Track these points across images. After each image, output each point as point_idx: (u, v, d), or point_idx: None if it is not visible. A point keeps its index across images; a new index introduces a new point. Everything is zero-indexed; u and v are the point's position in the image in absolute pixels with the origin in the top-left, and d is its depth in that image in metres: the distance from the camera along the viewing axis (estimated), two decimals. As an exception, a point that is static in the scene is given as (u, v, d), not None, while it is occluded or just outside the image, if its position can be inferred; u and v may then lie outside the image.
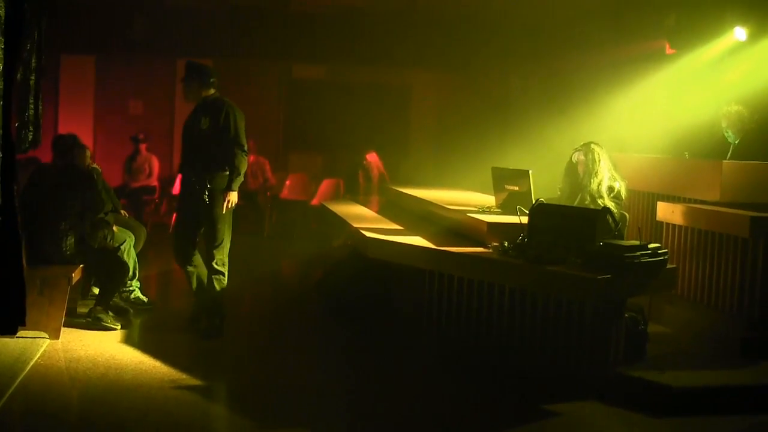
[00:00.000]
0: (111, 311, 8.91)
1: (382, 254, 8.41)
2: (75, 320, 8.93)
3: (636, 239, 7.65)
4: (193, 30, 17.10)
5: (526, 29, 17.15)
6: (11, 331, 6.98)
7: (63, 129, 15.20)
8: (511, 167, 9.01)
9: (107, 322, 8.74)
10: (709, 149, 9.97)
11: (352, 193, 15.38)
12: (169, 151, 16.95)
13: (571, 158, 8.61)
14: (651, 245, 7.21)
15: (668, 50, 12.34)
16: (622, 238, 7.87)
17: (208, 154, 8.49)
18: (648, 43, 13.24)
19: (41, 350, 7.80)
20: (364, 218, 10.13)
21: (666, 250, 7.39)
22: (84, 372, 7.32)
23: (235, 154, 8.45)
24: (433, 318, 8.19)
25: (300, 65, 18.27)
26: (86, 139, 13.44)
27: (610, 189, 8.30)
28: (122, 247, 9.53)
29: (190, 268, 8.72)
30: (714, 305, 8.32)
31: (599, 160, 8.35)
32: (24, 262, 6.86)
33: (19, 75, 8.09)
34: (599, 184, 8.29)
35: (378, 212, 10.87)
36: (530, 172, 8.47)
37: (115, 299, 9.21)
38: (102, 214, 9.28)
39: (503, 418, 6.81)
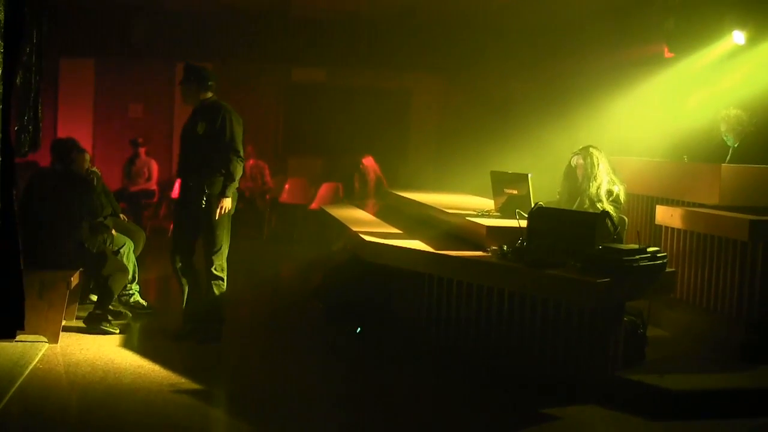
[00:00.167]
0: (110, 315, 8.91)
1: (381, 258, 8.41)
2: (74, 324, 8.93)
3: (635, 243, 7.64)
4: (193, 33, 17.10)
5: (526, 33, 17.16)
6: (10, 335, 6.99)
7: (62, 132, 15.20)
8: (510, 171, 9.01)
9: (106, 326, 8.74)
10: (708, 153, 9.98)
11: (349, 198, 15.39)
12: (168, 154, 16.95)
13: (570, 162, 8.62)
14: (650, 249, 7.22)
15: (667, 54, 12.34)
16: (621, 242, 7.87)
17: (204, 158, 8.46)
18: (647, 47, 13.23)
19: (40, 354, 7.80)
20: (363, 222, 10.13)
21: (665, 254, 7.39)
22: (83, 376, 7.32)
23: (229, 160, 8.41)
24: (433, 321, 8.19)
25: (300, 69, 18.30)
26: (85, 142, 13.44)
27: (609, 193, 8.31)
28: (121, 251, 9.55)
29: (184, 278, 8.67)
30: (713, 309, 8.31)
31: (598, 164, 8.36)
32: (22, 266, 6.85)
33: (18, 79, 8.08)
34: (598, 187, 8.29)
35: (377, 216, 10.86)
36: (529, 175, 8.47)
37: (113, 303, 9.20)
38: (101, 218, 9.28)
39: (502, 421, 6.82)
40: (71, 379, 7.29)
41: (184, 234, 8.70)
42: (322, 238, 13.70)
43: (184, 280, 8.68)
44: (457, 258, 7.77)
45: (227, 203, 8.44)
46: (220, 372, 7.98)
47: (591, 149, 8.48)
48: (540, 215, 7.58)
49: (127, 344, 8.41)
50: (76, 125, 16.52)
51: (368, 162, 15.80)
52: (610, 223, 7.50)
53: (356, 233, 8.96)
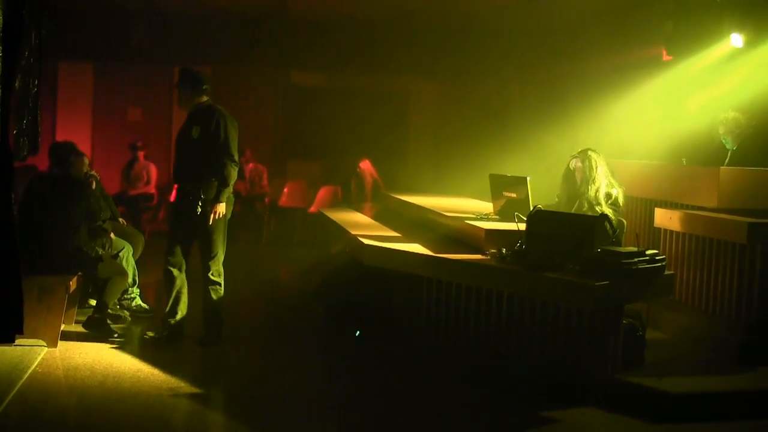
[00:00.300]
0: (109, 319, 8.91)
1: (380, 261, 8.40)
2: (73, 328, 8.93)
3: (634, 246, 7.64)
4: (192, 37, 17.13)
5: (525, 36, 17.17)
6: (9, 339, 6.99)
7: (61, 136, 15.19)
8: (509, 174, 9.02)
9: (105, 330, 8.74)
10: (707, 156, 9.99)
11: (346, 201, 15.39)
12: (167, 158, 16.92)
13: (568, 165, 8.62)
14: (649, 251, 7.22)
15: (665, 57, 12.35)
16: (620, 245, 7.87)
17: (199, 163, 8.43)
18: (645, 50, 13.24)
19: (39, 358, 7.80)
20: (362, 225, 10.14)
21: (664, 257, 7.40)
22: (82, 380, 7.32)
23: (224, 165, 8.37)
24: (432, 324, 8.19)
25: (298, 72, 18.30)
26: (84, 146, 13.45)
27: (608, 196, 8.31)
28: (120, 255, 9.55)
29: (172, 283, 8.61)
30: (712, 311, 8.32)
31: (596, 167, 8.37)
32: (21, 270, 6.85)
33: (17, 82, 8.08)
34: (597, 190, 8.30)
35: (376, 219, 10.86)
36: (528, 179, 8.48)
37: (112, 307, 9.20)
38: (100, 222, 9.28)
39: (502, 424, 6.82)
40: (70, 383, 7.29)
41: (178, 239, 8.66)
42: (321, 241, 13.71)
43: (172, 285, 8.62)
44: (456, 261, 7.78)
45: (221, 208, 8.41)
46: (220, 375, 7.98)
47: (589, 152, 8.48)
48: (539, 218, 7.58)
49: (126, 348, 8.41)
50: (74, 129, 16.52)
51: (365, 165, 15.81)
52: (608, 226, 7.51)
53: (355, 236, 8.97)
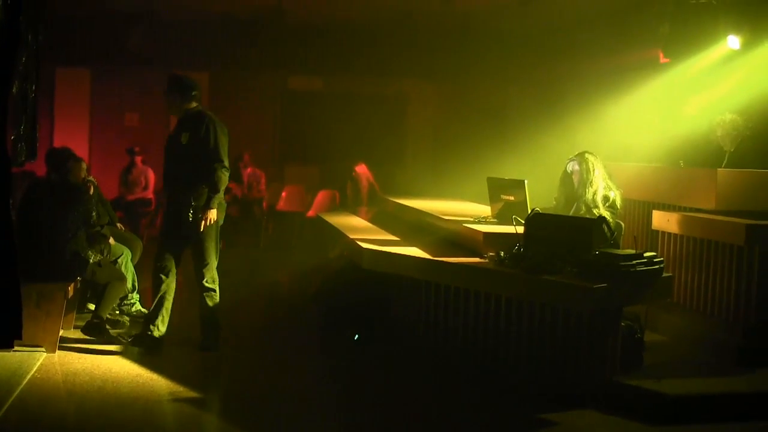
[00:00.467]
0: (108, 324, 8.91)
1: (378, 265, 8.41)
2: (72, 334, 8.93)
3: (632, 248, 7.66)
4: (189, 42, 17.12)
5: (522, 39, 17.18)
6: (7, 345, 6.97)
7: (58, 142, 15.20)
8: (506, 177, 9.02)
9: (105, 335, 8.74)
10: (704, 158, 9.99)
11: (342, 205, 15.40)
12: (164, 163, 16.95)
13: (566, 168, 8.63)
14: (647, 254, 7.23)
15: (662, 59, 12.35)
16: (618, 247, 7.89)
17: (189, 169, 8.38)
18: (642, 52, 13.25)
19: (38, 364, 7.80)
20: (360, 229, 10.14)
21: (662, 259, 7.40)
22: (81, 385, 7.32)
23: (214, 170, 8.30)
24: (430, 328, 8.20)
25: (296, 76, 18.31)
26: (82, 151, 13.46)
27: (605, 198, 8.32)
28: (119, 260, 9.55)
29: (160, 287, 8.56)
30: (710, 313, 8.33)
31: (593, 170, 8.38)
32: (20, 275, 6.85)
33: (14, 87, 8.08)
34: (594, 193, 8.31)
35: (374, 223, 10.87)
36: (526, 181, 8.48)
37: (111, 312, 9.20)
38: (98, 227, 9.28)
39: (500, 426, 6.83)
40: (69, 388, 7.29)
41: (168, 245, 8.59)
42: (319, 245, 13.71)
43: (158, 290, 8.54)
44: (455, 264, 7.79)
45: (212, 214, 8.34)
46: (219, 380, 7.99)
47: (586, 155, 8.49)
48: (537, 221, 7.59)
49: (125, 353, 8.39)
50: (72, 134, 16.52)
51: (361, 169, 15.80)
52: (606, 229, 7.51)
53: (354, 240, 8.97)
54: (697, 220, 8.57)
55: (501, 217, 8.73)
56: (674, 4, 11.26)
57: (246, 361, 8.59)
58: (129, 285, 9.62)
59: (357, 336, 8.98)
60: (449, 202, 11.26)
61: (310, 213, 16.14)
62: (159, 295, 8.52)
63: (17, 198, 8.61)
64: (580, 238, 7.29)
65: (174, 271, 8.59)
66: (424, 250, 8.35)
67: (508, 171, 10.00)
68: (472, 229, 8.35)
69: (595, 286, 6.71)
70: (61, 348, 8.32)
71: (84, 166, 9.54)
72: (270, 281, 13.50)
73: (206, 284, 8.50)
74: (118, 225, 10.62)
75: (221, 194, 8.43)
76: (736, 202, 8.81)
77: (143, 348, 8.44)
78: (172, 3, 15.65)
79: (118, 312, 9.54)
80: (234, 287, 10.15)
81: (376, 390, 7.68)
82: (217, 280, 8.59)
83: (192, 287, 8.72)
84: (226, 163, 8.39)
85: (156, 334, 8.44)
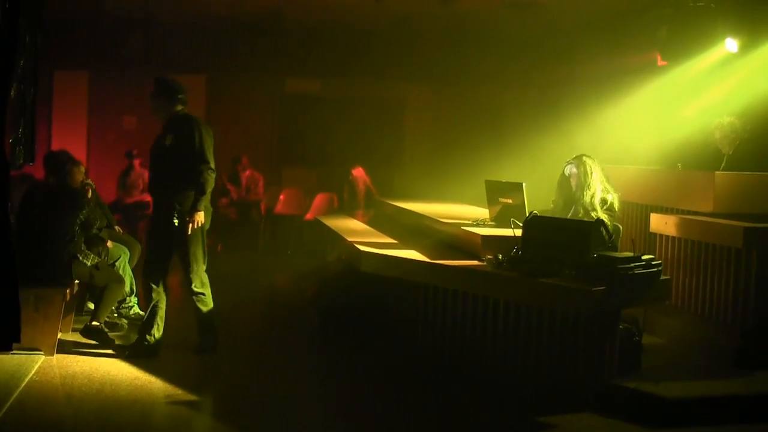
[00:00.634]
0: (106, 327, 8.90)
1: (376, 268, 8.39)
2: (70, 336, 8.93)
3: (630, 251, 7.66)
4: (187, 46, 17.13)
5: (520, 42, 17.21)
6: (6, 348, 6.97)
7: (56, 145, 15.18)
8: (504, 180, 9.02)
9: (103, 338, 8.74)
10: (702, 160, 9.99)
11: (340, 208, 15.41)
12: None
13: (563, 171, 8.63)
14: (645, 257, 7.23)
15: (660, 62, 12.36)
16: (616, 250, 7.87)
17: (174, 172, 8.31)
18: (640, 55, 13.27)
19: (36, 367, 7.80)
20: (358, 232, 10.14)
21: (660, 262, 7.39)
22: (79, 388, 7.32)
23: (200, 172, 8.22)
24: (428, 331, 8.20)
25: (293, 79, 18.29)
26: (80, 154, 13.45)
27: (603, 201, 8.32)
28: (117, 264, 9.55)
29: (154, 293, 8.52)
30: (708, 316, 8.34)
31: (591, 173, 8.38)
32: (18, 278, 6.85)
33: (13, 91, 8.08)
34: (592, 196, 8.31)
35: (372, 226, 10.86)
36: (524, 184, 8.48)
37: (109, 315, 9.19)
38: (96, 230, 9.27)
39: (498, 429, 6.83)
40: (68, 391, 7.29)
41: (156, 251, 8.55)
42: (317, 248, 13.71)
43: (149, 299, 8.50)
44: (453, 267, 7.78)
45: (200, 217, 8.28)
46: (217, 383, 7.98)
47: (584, 158, 8.49)
48: (535, 224, 7.59)
49: (123, 356, 8.39)
50: (70, 138, 16.49)
51: (358, 173, 15.84)
52: (604, 232, 7.51)
53: (352, 243, 8.96)
54: (695, 223, 8.58)
55: (499, 220, 8.73)
56: (672, 7, 11.27)
57: (244, 363, 8.60)
58: (127, 288, 9.61)
59: (354, 339, 8.98)
60: (447, 204, 11.27)
61: (308, 216, 16.14)
62: (151, 305, 8.49)
63: (16, 201, 8.61)
64: (578, 241, 7.29)
65: (164, 277, 8.54)
66: (422, 253, 8.34)
67: (506, 174, 10.01)
68: (470, 231, 8.35)
69: (593, 289, 6.71)
70: (60, 351, 8.31)
71: (82, 169, 9.52)
72: (268, 284, 13.50)
73: (195, 289, 8.44)
74: (117, 228, 10.61)
75: (208, 196, 8.36)
76: (734, 205, 8.82)
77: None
78: (170, 6, 15.64)
79: (116, 315, 9.55)
80: (232, 290, 10.17)
81: (374, 393, 7.68)
82: (207, 283, 8.55)
83: (187, 289, 8.71)
84: (212, 165, 8.32)
85: (151, 341, 8.43)
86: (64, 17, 15.17)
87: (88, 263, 8.87)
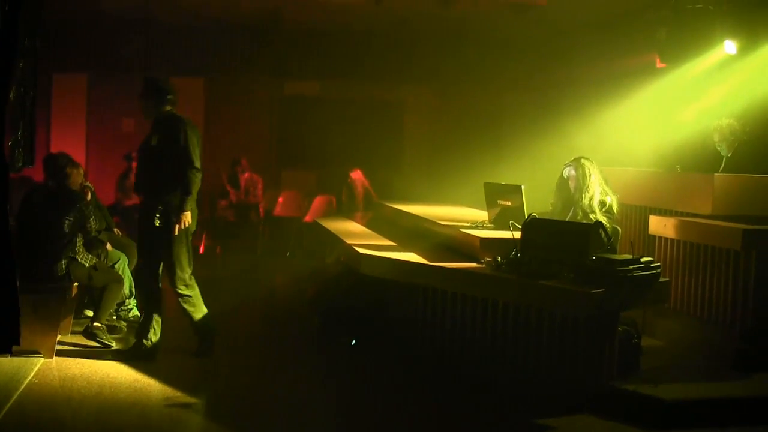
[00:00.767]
0: (106, 329, 8.91)
1: (375, 270, 8.39)
2: (69, 339, 8.93)
3: (628, 253, 7.66)
4: (186, 48, 17.14)
5: (519, 45, 17.22)
6: (6, 350, 6.98)
7: (55, 148, 15.15)
8: (503, 182, 9.03)
9: (104, 339, 8.75)
10: (701, 162, 10.00)
11: (339, 211, 15.41)
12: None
13: (562, 173, 8.63)
14: (643, 259, 7.23)
15: (659, 64, 12.37)
16: (615, 252, 7.88)
17: (159, 173, 8.27)
18: (639, 57, 13.27)
19: (35, 369, 7.80)
20: (357, 234, 10.15)
21: (658, 264, 7.40)
22: (78, 390, 7.33)
23: (185, 172, 8.16)
24: (427, 333, 8.20)
25: (292, 82, 18.28)
26: (78, 157, 13.42)
27: (602, 203, 8.32)
28: (116, 266, 9.54)
29: (142, 296, 8.49)
30: (707, 318, 8.33)
31: (590, 175, 8.38)
32: (18, 281, 6.85)
33: (12, 94, 8.08)
34: (591, 198, 8.31)
35: (371, 228, 10.86)
36: (522, 187, 8.48)
37: (108, 318, 9.19)
38: (95, 233, 9.27)
39: (497, 431, 6.85)
40: (67, 393, 7.28)
41: (145, 254, 8.52)
42: (316, 250, 13.71)
43: (145, 302, 8.54)
44: (452, 269, 7.78)
45: (187, 217, 8.22)
46: (216, 385, 7.98)
47: (582, 160, 8.50)
48: (534, 226, 7.59)
49: (122, 358, 8.40)
50: (69, 140, 16.47)
51: (356, 175, 15.83)
52: (603, 234, 7.51)
53: (351, 246, 8.97)
54: (694, 225, 8.58)
55: (498, 223, 8.73)
56: (671, 9, 11.27)
57: (243, 365, 8.60)
58: (126, 291, 9.61)
59: (354, 341, 8.99)
60: (446, 207, 11.27)
61: (307, 218, 16.14)
62: (146, 309, 8.50)
63: (15, 204, 8.61)
64: (577, 243, 7.29)
65: (156, 280, 8.48)
66: (421, 255, 8.35)
67: (505, 176, 10.02)
68: (469, 234, 8.36)
69: (592, 291, 6.72)
70: (59, 353, 8.32)
71: (81, 171, 9.52)
72: (267, 286, 13.49)
73: (180, 291, 8.38)
74: (115, 231, 10.61)
75: (194, 197, 8.28)
76: (733, 207, 8.81)
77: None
78: (169, 8, 15.64)
79: (115, 318, 9.54)
80: (231, 292, 10.16)
81: (374, 394, 7.69)
82: (193, 285, 8.47)
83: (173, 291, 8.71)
84: (197, 165, 8.23)
85: (149, 345, 8.41)
86: (64, 20, 15.17)
87: (87, 264, 8.87)
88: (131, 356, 8.34)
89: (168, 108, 8.46)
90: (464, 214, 10.13)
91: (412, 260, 8.17)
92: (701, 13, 10.83)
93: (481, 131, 17.84)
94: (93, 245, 9.22)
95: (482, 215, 9.37)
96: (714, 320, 8.24)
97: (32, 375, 7.62)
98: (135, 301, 9.82)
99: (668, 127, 11.79)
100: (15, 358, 7.89)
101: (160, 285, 8.50)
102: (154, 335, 8.41)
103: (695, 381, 7.53)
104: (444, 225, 9.19)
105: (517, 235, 7.67)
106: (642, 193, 10.06)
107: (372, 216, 12.76)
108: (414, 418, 7.11)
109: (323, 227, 11.06)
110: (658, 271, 7.33)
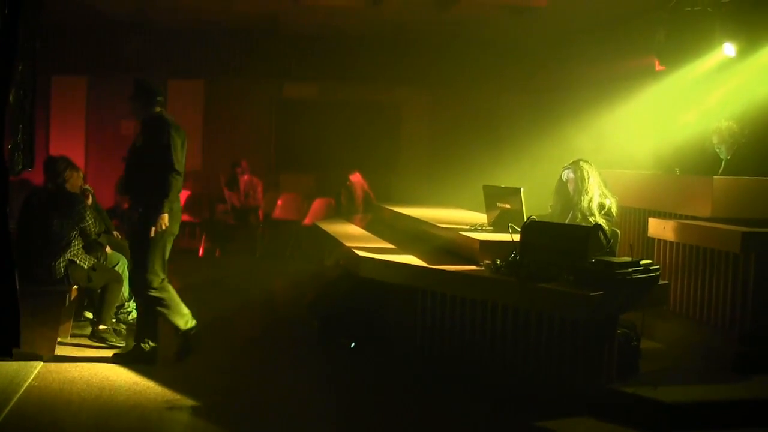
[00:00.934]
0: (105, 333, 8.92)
1: (374, 273, 8.40)
2: (68, 341, 8.93)
3: (628, 256, 7.67)
4: (185, 51, 17.17)
5: (517, 47, 17.25)
6: (6, 353, 6.97)
7: (54, 150, 15.18)
8: (502, 185, 9.03)
9: (112, 341, 8.77)
10: (700, 165, 10.01)
11: (338, 213, 15.42)
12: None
13: (560, 176, 8.64)
14: (643, 261, 7.23)
15: (658, 67, 12.38)
16: (614, 255, 7.87)
17: (142, 174, 8.26)
18: (638, 60, 13.28)
19: (35, 372, 7.80)
20: (356, 237, 10.14)
21: (658, 266, 7.40)
22: (78, 393, 7.32)
23: (163, 174, 8.10)
24: (426, 336, 8.19)
25: (291, 84, 18.30)
26: (78, 159, 13.42)
27: (601, 206, 8.33)
28: (116, 269, 9.54)
29: (137, 298, 8.48)
30: (706, 320, 8.34)
31: (588, 178, 8.39)
32: (17, 283, 6.85)
33: (11, 96, 8.07)
34: (590, 201, 8.32)
35: (369, 231, 10.86)
36: (522, 189, 8.49)
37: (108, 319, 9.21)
38: (94, 236, 9.27)
39: (497, 434, 6.85)
40: (66, 396, 7.28)
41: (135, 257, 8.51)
42: (315, 253, 13.71)
43: (140, 305, 8.54)
44: (451, 272, 7.79)
45: (164, 219, 8.14)
46: (216, 388, 7.97)
47: (581, 163, 8.50)
48: (533, 229, 7.59)
49: (122, 361, 8.39)
50: (68, 143, 16.50)
51: (355, 178, 15.83)
52: (602, 236, 7.51)
53: (350, 248, 8.97)
54: (693, 228, 8.58)
55: (497, 225, 8.74)
56: (670, 11, 11.28)
57: (242, 368, 8.59)
58: (125, 294, 9.61)
59: (353, 344, 8.99)
60: (445, 209, 11.27)
61: (306, 221, 16.14)
62: (142, 311, 8.50)
63: (15, 207, 8.60)
64: (576, 245, 7.30)
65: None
66: (420, 258, 8.35)
67: (504, 179, 10.01)
68: (468, 236, 8.36)
69: (591, 294, 6.72)
70: (58, 356, 8.32)
71: (81, 174, 9.53)
72: (266, 289, 13.49)
73: (151, 294, 8.27)
74: (115, 233, 10.61)
75: (171, 199, 8.18)
76: (732, 210, 8.82)
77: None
78: (167, 11, 15.66)
79: (114, 320, 9.54)
80: (230, 295, 10.15)
81: (373, 398, 7.68)
82: (164, 287, 8.33)
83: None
84: (177, 167, 8.16)
85: (147, 347, 8.40)
86: (63, 22, 15.18)
87: (85, 266, 8.86)
88: (131, 359, 8.33)
89: (157, 109, 8.45)
90: (463, 217, 10.14)
91: (411, 263, 8.18)
92: (700, 15, 10.84)
93: (480, 133, 17.86)
94: (92, 248, 9.22)
95: (481, 218, 9.38)
96: (713, 323, 8.24)
97: (32, 378, 7.62)
98: (134, 303, 9.81)
99: (667, 129, 11.80)
100: (14, 361, 7.87)
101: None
102: (152, 338, 8.40)
103: (695, 383, 7.52)
104: (443, 228, 9.20)
105: (517, 237, 7.68)
106: (641, 195, 10.07)
107: (371, 219, 12.75)
108: (413, 421, 7.10)
109: (322, 230, 11.06)
110: (658, 273, 7.33)
